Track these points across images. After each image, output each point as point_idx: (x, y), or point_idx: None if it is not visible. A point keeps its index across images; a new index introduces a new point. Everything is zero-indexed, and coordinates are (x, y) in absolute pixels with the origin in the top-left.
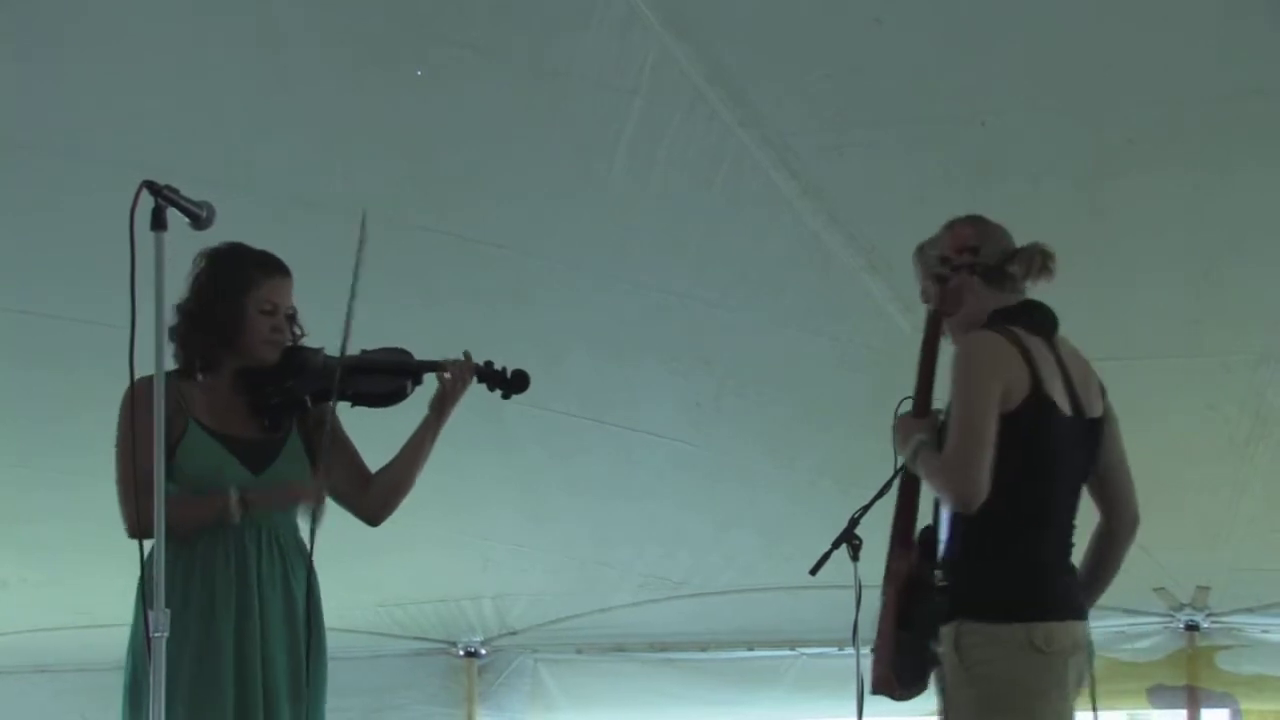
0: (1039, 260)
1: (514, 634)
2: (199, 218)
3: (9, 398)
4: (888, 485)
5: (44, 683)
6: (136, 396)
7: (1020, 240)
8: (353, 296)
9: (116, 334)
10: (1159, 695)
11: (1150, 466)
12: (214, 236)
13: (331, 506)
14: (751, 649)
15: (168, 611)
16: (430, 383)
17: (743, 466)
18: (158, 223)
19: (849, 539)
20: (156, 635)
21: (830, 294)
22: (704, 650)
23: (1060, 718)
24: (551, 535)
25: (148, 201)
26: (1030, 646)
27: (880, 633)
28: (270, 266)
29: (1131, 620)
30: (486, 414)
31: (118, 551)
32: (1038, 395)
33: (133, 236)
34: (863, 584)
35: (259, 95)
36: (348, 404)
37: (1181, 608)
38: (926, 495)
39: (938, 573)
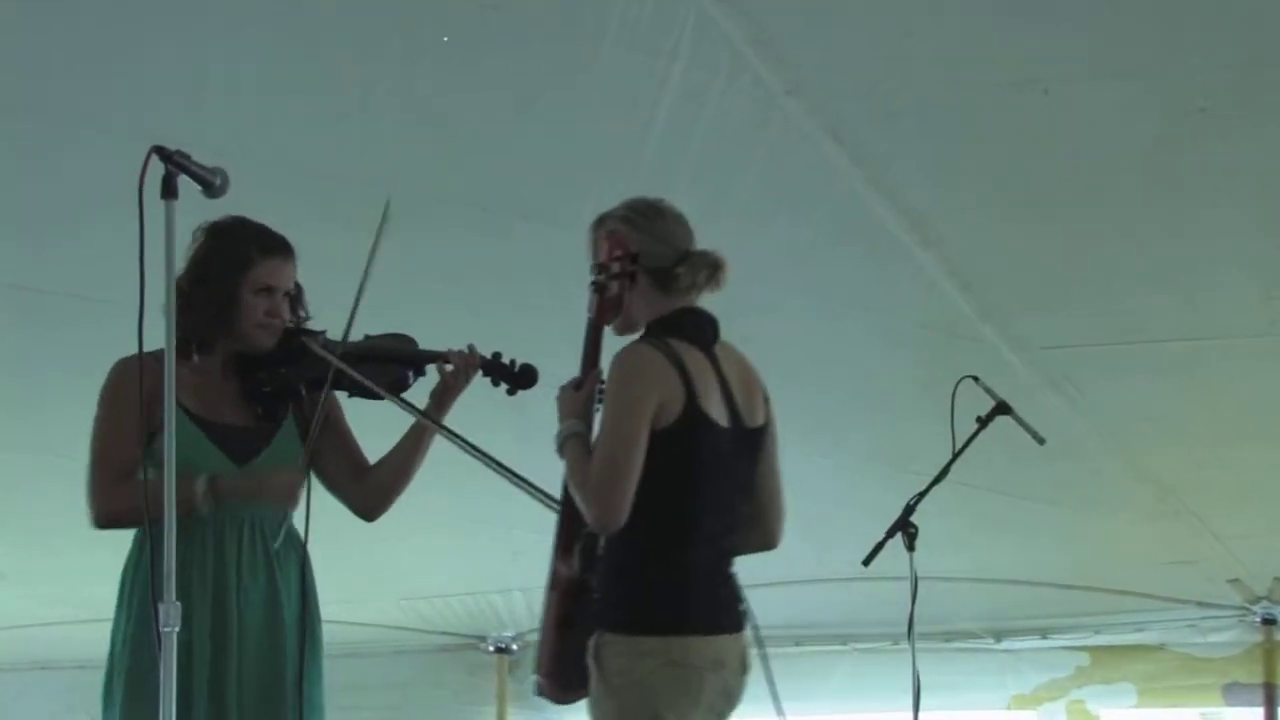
0: (706, 271)
1: None
2: (211, 185)
3: (7, 378)
4: (946, 469)
5: (44, 680)
6: (118, 379)
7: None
8: (363, 285)
9: (124, 310)
10: (1234, 693)
11: (1226, 451)
12: (225, 207)
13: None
14: (799, 644)
15: (179, 605)
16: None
17: (787, 451)
18: (168, 190)
19: (904, 527)
20: (166, 630)
21: (881, 270)
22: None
23: None
24: None
25: (158, 168)
26: (668, 660)
27: (543, 635)
28: (269, 245)
29: (1204, 613)
30: (516, 399)
31: (122, 542)
32: (692, 411)
33: (141, 205)
34: (919, 575)
35: (272, 60)
36: (345, 394)
37: (1258, 600)
38: None
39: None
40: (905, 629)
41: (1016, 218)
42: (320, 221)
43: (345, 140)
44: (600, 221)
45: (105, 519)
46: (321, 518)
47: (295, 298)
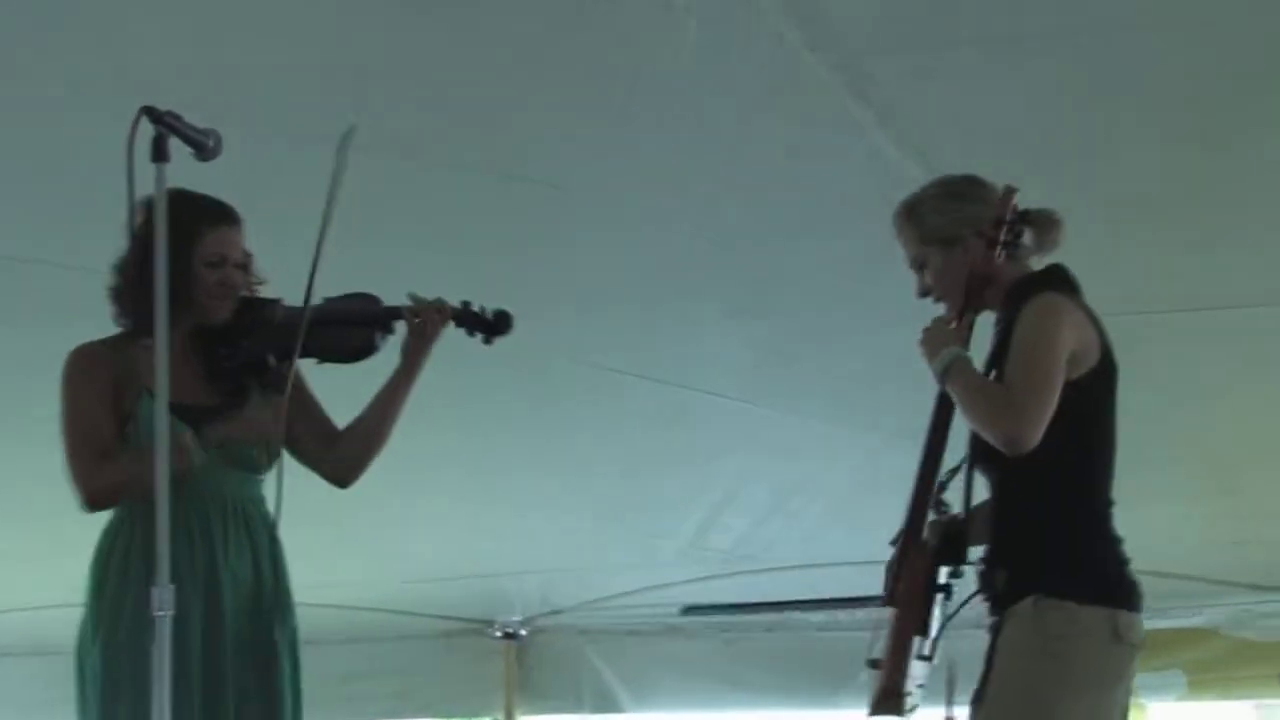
0: (1054, 231)
1: (559, 613)
2: (204, 147)
3: None
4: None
5: (40, 667)
6: (79, 365)
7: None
8: (321, 239)
9: (105, 279)
10: None
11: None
12: (217, 171)
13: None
14: (824, 630)
15: (172, 588)
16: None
17: (812, 427)
18: (159, 153)
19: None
20: (160, 614)
21: None
22: (770, 631)
23: (1121, 712)
24: (599, 504)
25: (147, 130)
26: (1113, 634)
27: (895, 638)
28: (216, 215)
29: (1260, 598)
30: (523, 369)
31: None
32: (1107, 361)
33: (131, 169)
34: None
35: (264, 15)
36: (313, 361)
37: None
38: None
39: (963, 569)
40: None
41: (1064, 179)
42: (313, 185)
43: (338, 100)
44: (912, 208)
45: (94, 498)
46: (321, 497)
47: (246, 266)
